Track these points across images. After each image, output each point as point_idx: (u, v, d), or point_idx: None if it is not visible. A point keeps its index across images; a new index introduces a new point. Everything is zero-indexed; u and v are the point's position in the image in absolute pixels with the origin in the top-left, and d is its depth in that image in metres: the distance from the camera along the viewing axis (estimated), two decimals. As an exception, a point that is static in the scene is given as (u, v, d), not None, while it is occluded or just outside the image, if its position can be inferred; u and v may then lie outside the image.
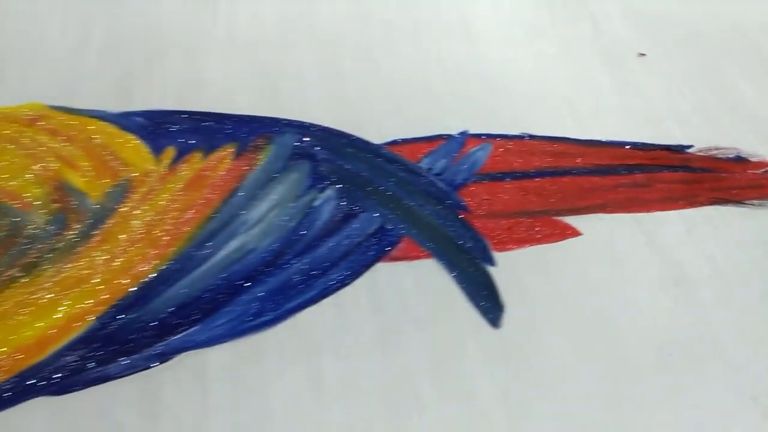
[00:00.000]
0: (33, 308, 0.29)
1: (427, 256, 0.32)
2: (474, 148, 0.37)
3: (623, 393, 0.28)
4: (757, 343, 0.30)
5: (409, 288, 0.31)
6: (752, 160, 0.39)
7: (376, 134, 0.38)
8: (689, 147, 0.40)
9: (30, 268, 0.30)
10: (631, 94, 0.43)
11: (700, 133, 0.41)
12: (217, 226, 0.32)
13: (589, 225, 0.34)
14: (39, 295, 0.29)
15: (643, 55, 0.46)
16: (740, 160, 0.39)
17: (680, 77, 0.45)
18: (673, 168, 0.38)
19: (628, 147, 0.39)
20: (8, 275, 0.30)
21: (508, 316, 0.30)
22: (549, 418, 0.27)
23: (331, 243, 0.32)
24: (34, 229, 0.31)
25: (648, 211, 0.36)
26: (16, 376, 0.27)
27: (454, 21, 0.45)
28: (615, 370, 0.28)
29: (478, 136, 0.38)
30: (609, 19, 0.48)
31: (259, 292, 0.30)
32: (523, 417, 0.27)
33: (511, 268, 0.32)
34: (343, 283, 0.31)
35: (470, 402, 0.27)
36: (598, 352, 0.29)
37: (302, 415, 0.26)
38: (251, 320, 0.29)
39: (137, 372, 0.27)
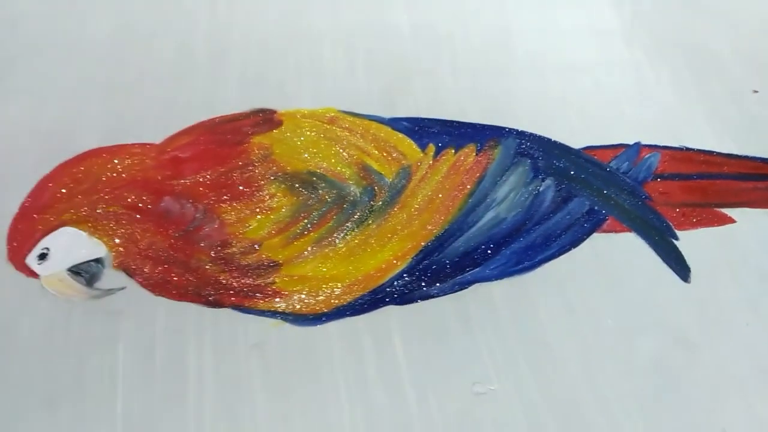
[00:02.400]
0: (368, 249, 0.42)
1: (628, 230, 0.45)
2: (648, 155, 0.50)
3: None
4: None
5: (621, 250, 0.44)
6: None
7: (569, 140, 0.51)
8: (804, 163, 0.52)
9: (359, 223, 0.43)
10: (753, 120, 0.55)
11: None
12: (476, 201, 0.45)
13: (740, 216, 0.47)
14: (370, 241, 0.42)
15: (756, 91, 0.59)
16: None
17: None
18: (794, 178, 0.51)
19: (759, 161, 0.51)
20: (345, 226, 0.43)
21: (693, 274, 0.43)
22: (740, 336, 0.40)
23: (557, 217, 0.45)
24: (353, 198, 0.44)
25: (780, 208, 0.48)
26: (370, 292, 0.40)
27: (620, 60, 0.58)
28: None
29: (648, 146, 0.51)
30: (728, 64, 0.60)
31: (515, 248, 0.43)
32: (723, 337, 0.40)
33: (688, 242, 0.44)
34: (572, 245, 0.44)
35: (669, 330, 0.40)
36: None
37: (564, 328, 0.39)
38: (514, 267, 0.42)
39: (447, 294, 0.40)
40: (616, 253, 0.44)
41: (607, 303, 0.41)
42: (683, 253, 0.44)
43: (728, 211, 0.47)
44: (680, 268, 0.43)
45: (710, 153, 0.51)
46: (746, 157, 0.51)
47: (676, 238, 0.45)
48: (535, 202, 0.46)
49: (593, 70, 0.56)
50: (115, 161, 0.44)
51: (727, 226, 0.46)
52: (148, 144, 0.46)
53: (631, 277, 0.42)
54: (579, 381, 0.37)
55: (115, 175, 0.43)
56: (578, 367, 0.38)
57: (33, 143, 0.45)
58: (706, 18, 0.66)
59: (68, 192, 0.42)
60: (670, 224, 0.45)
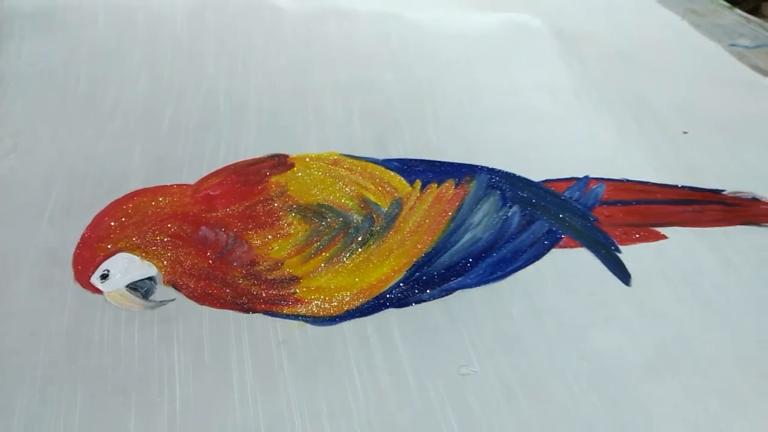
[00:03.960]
0: (370, 265, 0.51)
1: (580, 246, 0.55)
2: (594, 186, 0.61)
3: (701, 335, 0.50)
4: None
5: (575, 262, 0.54)
6: (762, 199, 0.63)
7: (530, 175, 0.61)
8: (723, 190, 0.63)
9: (362, 244, 0.53)
10: (683, 156, 0.67)
11: (729, 182, 0.64)
12: (456, 225, 0.55)
13: (671, 233, 0.57)
14: (372, 258, 0.52)
15: (686, 132, 0.71)
16: (755, 200, 0.63)
17: (710, 147, 0.69)
18: (714, 202, 0.62)
19: (687, 189, 0.62)
20: (351, 247, 0.52)
21: (633, 279, 0.53)
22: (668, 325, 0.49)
23: (523, 237, 0.55)
24: (355, 224, 0.54)
25: (703, 227, 0.59)
26: (373, 298, 0.49)
27: (572, 110, 0.70)
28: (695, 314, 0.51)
29: (595, 179, 0.62)
30: (661, 111, 0.73)
31: (490, 261, 0.53)
32: (657, 328, 0.49)
33: (629, 254, 0.55)
34: (536, 259, 0.54)
35: (614, 322, 0.50)
36: (690, 298, 0.52)
37: (530, 323, 0.49)
38: (489, 276, 0.52)
39: (436, 298, 0.50)
40: (571, 264, 0.54)
41: (565, 303, 0.51)
42: (625, 263, 0.54)
43: (662, 230, 0.58)
44: (622, 274, 0.53)
45: (647, 183, 0.62)
46: (676, 186, 0.63)
47: (620, 252, 0.55)
48: (505, 224, 0.56)
49: (549, 119, 0.68)
50: (159, 199, 0.53)
51: (660, 241, 0.57)
52: (184, 184, 0.55)
53: (583, 282, 0.52)
54: (543, 363, 0.46)
55: (159, 210, 0.53)
56: (543, 352, 0.47)
57: (87, 185, 0.54)
58: (642, 74, 0.79)
59: (120, 224, 0.51)
60: (614, 240, 0.56)
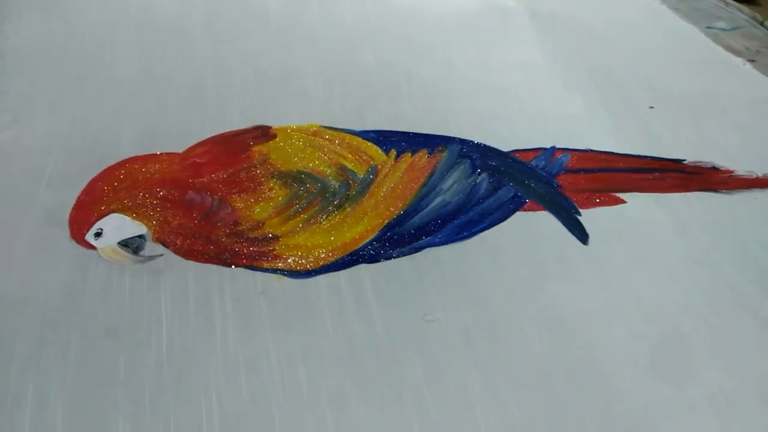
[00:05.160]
0: (345, 226, 0.55)
1: (543, 209, 0.59)
2: (560, 155, 0.64)
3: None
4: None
5: (538, 224, 0.57)
6: (721, 168, 0.66)
7: (500, 146, 0.65)
8: (684, 160, 0.67)
9: (338, 207, 0.56)
10: (647, 129, 0.71)
11: (691, 154, 0.68)
12: (427, 190, 0.59)
13: (630, 198, 0.61)
14: (347, 220, 0.56)
15: (652, 107, 0.74)
16: (714, 168, 0.66)
17: (676, 121, 0.73)
18: (675, 171, 0.65)
19: (648, 158, 0.66)
20: (328, 210, 0.56)
21: (591, 239, 0.57)
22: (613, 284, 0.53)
23: (489, 201, 0.59)
24: (333, 189, 0.58)
25: (661, 192, 0.62)
26: (347, 255, 0.53)
27: (542, 86, 0.73)
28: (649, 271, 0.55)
29: (561, 149, 0.65)
30: (630, 88, 0.76)
31: (458, 223, 0.57)
32: (610, 282, 0.53)
33: (588, 217, 0.58)
34: (501, 221, 0.57)
35: (571, 276, 0.53)
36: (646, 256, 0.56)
37: (493, 278, 0.53)
38: (456, 236, 0.56)
39: (406, 255, 0.54)
40: (533, 226, 0.57)
41: (526, 260, 0.54)
42: (585, 224, 0.58)
43: (622, 195, 0.61)
44: (581, 234, 0.57)
45: (610, 153, 0.66)
46: (638, 156, 0.66)
47: (579, 214, 0.59)
48: (473, 190, 0.60)
49: (521, 94, 0.72)
50: (149, 165, 0.57)
51: (619, 205, 0.60)
52: (173, 153, 0.59)
53: (543, 241, 0.56)
54: (502, 312, 0.50)
55: (149, 175, 0.56)
56: (502, 302, 0.51)
57: (83, 153, 0.58)
58: (615, 53, 0.82)
59: (113, 188, 0.55)
60: (575, 204, 0.59)
